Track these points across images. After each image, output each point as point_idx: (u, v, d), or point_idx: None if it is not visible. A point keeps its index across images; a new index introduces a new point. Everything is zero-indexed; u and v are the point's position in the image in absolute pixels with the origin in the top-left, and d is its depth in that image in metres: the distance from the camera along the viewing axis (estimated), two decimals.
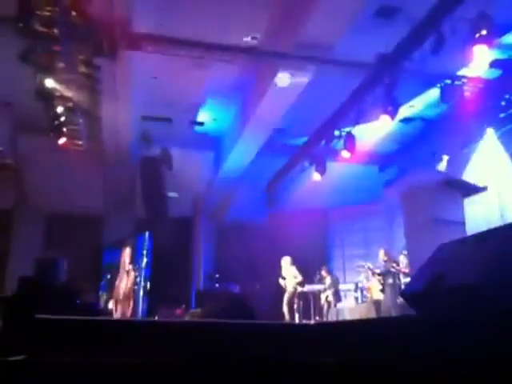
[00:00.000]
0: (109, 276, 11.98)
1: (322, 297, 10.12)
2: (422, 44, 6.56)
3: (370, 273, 9.17)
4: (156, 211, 10.72)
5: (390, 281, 8.21)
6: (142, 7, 6.82)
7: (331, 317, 9.68)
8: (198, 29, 7.27)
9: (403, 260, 8.33)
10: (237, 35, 7.49)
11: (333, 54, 7.40)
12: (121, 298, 11.03)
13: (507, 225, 1.79)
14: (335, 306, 10.13)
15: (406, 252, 8.60)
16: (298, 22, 6.96)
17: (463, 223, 6.06)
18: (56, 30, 6.25)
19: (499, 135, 8.79)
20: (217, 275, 12.46)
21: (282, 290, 9.78)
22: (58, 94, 7.54)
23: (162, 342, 1.70)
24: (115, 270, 11.92)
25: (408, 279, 7.59)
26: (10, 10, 6.04)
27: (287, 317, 9.33)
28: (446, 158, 8.17)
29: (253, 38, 7.63)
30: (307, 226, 12.30)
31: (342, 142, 9.40)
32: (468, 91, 8.21)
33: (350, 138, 9.19)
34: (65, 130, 8.36)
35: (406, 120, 10.03)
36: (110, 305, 11.05)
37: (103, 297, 11.65)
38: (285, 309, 9.41)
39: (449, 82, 8.01)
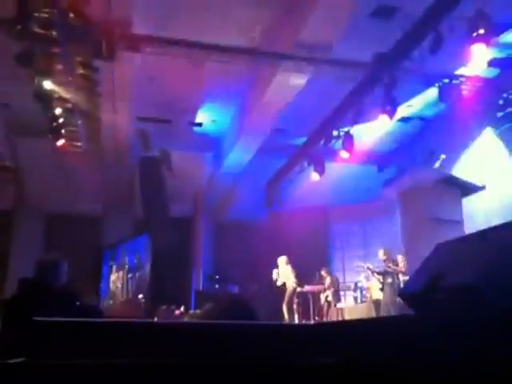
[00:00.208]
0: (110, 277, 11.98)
1: (322, 297, 10.12)
2: (420, 43, 6.58)
3: (369, 272, 9.17)
4: (155, 211, 10.72)
5: (390, 280, 8.21)
6: (141, 9, 6.82)
7: (331, 317, 9.69)
8: (196, 30, 7.27)
9: (402, 259, 8.34)
10: (236, 36, 7.49)
11: (331, 54, 7.41)
12: (120, 300, 11.03)
13: (506, 223, 1.79)
14: (335, 305, 10.13)
15: (403, 251, 8.61)
16: (297, 23, 6.97)
17: (462, 222, 6.08)
18: (54, 32, 6.24)
19: (497, 134, 8.80)
20: (216, 276, 12.47)
21: (281, 290, 9.78)
22: (56, 95, 7.54)
23: (161, 343, 1.70)
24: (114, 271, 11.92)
25: (407, 278, 7.61)
26: (7, 12, 6.04)
27: (286, 317, 9.33)
28: (444, 157, 8.17)
29: (251, 39, 7.63)
30: (307, 225, 12.30)
31: (340, 141, 9.41)
32: (466, 90, 8.22)
33: (348, 137, 9.20)
34: (63, 131, 8.35)
35: (404, 119, 10.05)
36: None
37: (107, 300, 11.64)
38: (284, 309, 9.42)
39: (447, 81, 8.02)
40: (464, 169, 9.04)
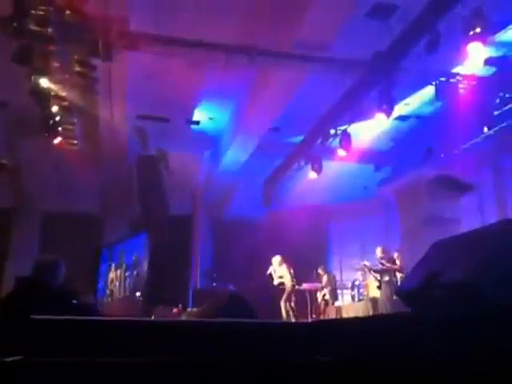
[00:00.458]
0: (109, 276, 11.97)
1: (319, 295, 10.14)
2: (417, 42, 6.59)
3: (366, 270, 9.19)
4: (153, 210, 10.71)
5: (387, 278, 8.23)
6: (138, 6, 6.80)
7: (328, 315, 9.71)
8: (193, 28, 7.26)
9: (398, 257, 8.36)
10: (233, 34, 7.48)
11: (328, 52, 7.41)
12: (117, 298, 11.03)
13: (502, 222, 1.80)
14: (333, 304, 10.15)
15: (400, 249, 8.64)
16: (294, 21, 6.96)
17: (459, 220, 6.10)
18: (51, 30, 6.22)
19: (494, 133, 8.83)
20: (214, 274, 12.47)
21: (278, 289, 9.78)
22: (53, 93, 7.51)
23: (158, 341, 1.70)
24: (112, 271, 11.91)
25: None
26: (4, 10, 6.01)
27: (284, 315, 9.35)
28: (441, 155, 8.20)
29: (249, 37, 7.62)
30: (304, 224, 12.32)
31: (337, 140, 9.42)
32: (463, 89, 8.24)
33: (345, 136, 9.21)
34: (60, 129, 8.33)
35: (401, 118, 10.06)
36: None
37: (104, 299, 11.64)
38: (282, 307, 9.43)
39: (444, 79, 8.03)
40: (461, 168, 9.07)
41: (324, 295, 10.02)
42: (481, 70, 8.24)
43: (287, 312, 9.36)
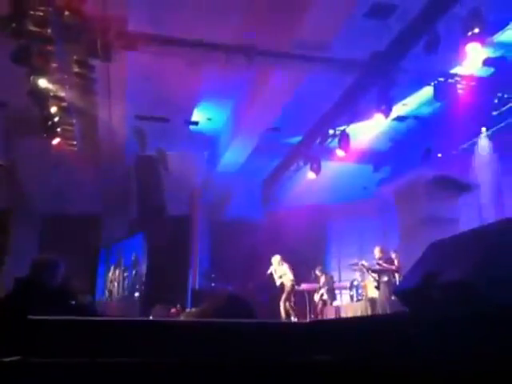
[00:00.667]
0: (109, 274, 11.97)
1: (317, 296, 10.13)
2: (415, 42, 6.60)
3: (364, 271, 9.20)
4: (151, 210, 10.71)
5: (385, 278, 8.24)
6: (137, 7, 6.80)
7: (327, 315, 9.71)
8: (192, 28, 7.26)
9: (396, 257, 8.37)
10: (231, 34, 7.49)
11: (327, 52, 7.41)
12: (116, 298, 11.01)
13: (500, 222, 1.81)
14: (331, 304, 10.15)
15: (399, 249, 8.64)
16: (293, 21, 6.97)
17: (457, 220, 6.11)
18: (49, 30, 6.21)
19: (492, 133, 8.84)
20: (213, 275, 12.47)
21: (278, 288, 9.78)
22: (51, 94, 7.51)
23: (157, 341, 1.70)
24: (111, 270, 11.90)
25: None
26: (2, 10, 6.01)
27: (283, 315, 9.34)
28: (439, 156, 8.20)
29: (247, 38, 7.63)
30: (303, 224, 12.32)
31: (336, 140, 9.42)
32: (461, 89, 8.25)
33: (344, 136, 9.22)
34: (58, 130, 8.32)
35: (399, 118, 10.07)
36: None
37: (103, 299, 11.63)
38: (281, 307, 9.42)
39: (442, 80, 8.05)
40: (459, 168, 9.08)
41: (322, 295, 10.02)
42: (479, 71, 8.26)
43: (287, 312, 9.35)
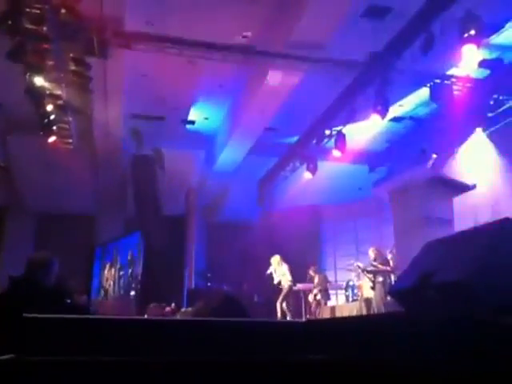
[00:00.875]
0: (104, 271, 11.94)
1: (311, 296, 10.12)
2: (411, 43, 6.61)
3: (359, 271, 9.21)
4: (147, 210, 10.69)
5: (381, 279, 8.25)
6: (133, 6, 6.79)
7: (322, 315, 9.72)
8: (189, 27, 7.25)
9: (392, 258, 8.38)
10: (228, 34, 7.49)
11: (323, 53, 7.43)
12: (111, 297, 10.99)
13: (494, 222, 1.81)
14: (325, 304, 10.16)
15: (391, 250, 8.65)
16: (289, 21, 6.97)
17: (452, 221, 6.12)
18: (45, 28, 6.19)
19: (488, 134, 8.88)
20: (208, 274, 12.46)
21: (274, 289, 9.78)
22: (47, 92, 7.48)
23: (152, 340, 1.70)
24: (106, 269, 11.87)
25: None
26: None
27: (279, 316, 9.33)
28: (435, 156, 8.22)
29: (244, 37, 7.63)
30: (299, 224, 12.33)
31: (332, 141, 9.43)
32: (457, 91, 8.28)
33: (340, 137, 9.23)
34: (55, 128, 8.29)
35: (395, 119, 10.10)
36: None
37: (98, 298, 11.61)
38: (278, 307, 9.41)
39: (438, 81, 8.07)
40: (455, 168, 9.11)
41: (315, 295, 10.01)
42: (475, 72, 8.29)
43: (283, 313, 9.35)
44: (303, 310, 10.21)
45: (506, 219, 1.64)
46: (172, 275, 11.44)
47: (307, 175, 10.38)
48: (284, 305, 9.42)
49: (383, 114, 7.71)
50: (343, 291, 11.14)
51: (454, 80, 8.24)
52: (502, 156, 8.69)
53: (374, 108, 7.68)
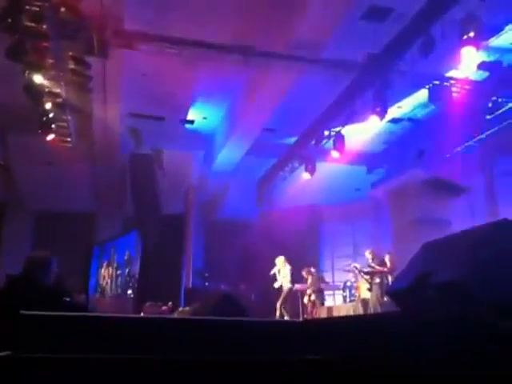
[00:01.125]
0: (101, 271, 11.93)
1: (306, 297, 10.08)
2: (411, 45, 6.63)
3: (357, 272, 9.22)
4: (146, 209, 10.68)
5: (378, 280, 8.27)
6: (133, 5, 6.79)
7: (318, 316, 9.71)
8: (189, 28, 7.25)
9: (389, 259, 8.38)
10: (228, 35, 7.49)
11: (323, 54, 7.44)
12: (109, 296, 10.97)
13: (492, 223, 1.82)
14: (322, 304, 10.15)
15: (392, 251, 8.65)
16: (289, 22, 6.98)
17: (449, 222, 6.15)
18: (45, 26, 6.18)
19: (486, 136, 8.90)
20: (206, 274, 12.46)
21: (273, 289, 9.77)
22: (46, 90, 7.47)
23: (150, 338, 1.70)
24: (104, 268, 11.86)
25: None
26: None
27: (278, 315, 9.32)
28: (433, 158, 8.24)
29: (244, 38, 7.63)
30: (297, 225, 12.34)
31: (331, 141, 9.44)
32: (456, 92, 8.30)
33: (339, 137, 9.24)
34: (53, 126, 8.28)
35: (394, 120, 10.11)
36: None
37: (96, 296, 11.60)
38: (278, 308, 9.39)
39: (437, 83, 8.09)
40: (452, 170, 9.13)
41: (310, 296, 9.98)
42: (474, 75, 8.31)
43: (281, 315, 9.34)
44: (300, 310, 10.20)
45: (502, 220, 1.64)
46: (170, 274, 11.44)
47: (305, 176, 10.39)
48: (283, 307, 9.41)
49: (382, 115, 7.73)
50: (341, 292, 11.14)
51: (452, 82, 8.26)
52: (499, 158, 8.72)
53: (373, 109, 7.69)
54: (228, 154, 10.64)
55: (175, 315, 5.88)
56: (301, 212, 12.91)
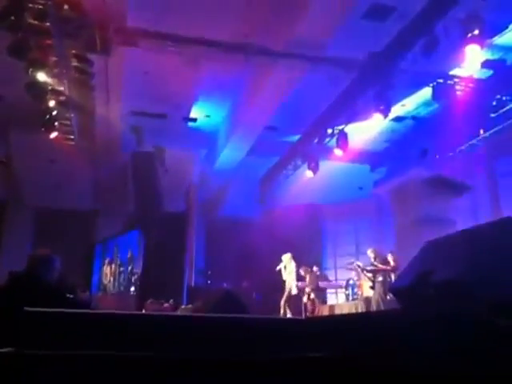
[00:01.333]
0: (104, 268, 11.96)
1: (305, 297, 10.05)
2: (414, 43, 6.60)
3: (359, 270, 9.20)
4: (148, 207, 10.70)
5: (380, 278, 8.24)
6: (136, 3, 6.79)
7: (321, 314, 9.70)
8: (191, 25, 7.24)
9: (391, 258, 8.37)
10: (230, 33, 7.48)
11: (326, 52, 7.42)
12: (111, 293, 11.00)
13: (493, 222, 1.82)
14: (324, 303, 10.14)
15: (395, 249, 8.63)
16: (291, 21, 6.96)
17: (452, 221, 6.14)
18: (48, 24, 6.19)
19: (490, 135, 8.86)
20: (209, 272, 12.48)
21: (275, 287, 9.76)
22: (50, 87, 7.48)
23: (152, 335, 1.70)
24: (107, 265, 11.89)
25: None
26: (1, 3, 5.98)
27: (282, 312, 9.32)
28: (436, 156, 8.22)
29: (246, 36, 7.62)
30: (299, 223, 12.33)
31: (334, 140, 9.43)
32: (460, 91, 8.27)
33: (342, 135, 9.22)
34: (56, 124, 8.30)
35: (397, 119, 10.09)
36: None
37: (98, 293, 11.64)
38: (282, 305, 9.39)
39: (441, 81, 8.06)
40: (455, 168, 9.11)
41: (309, 295, 9.96)
42: (478, 73, 8.28)
43: (285, 312, 9.33)
44: (303, 308, 10.20)
45: (504, 218, 1.64)
46: (172, 272, 11.46)
47: (308, 174, 10.37)
48: (286, 304, 9.41)
49: (386, 113, 7.71)
50: (343, 290, 11.13)
51: (456, 80, 8.22)
52: (502, 156, 8.68)
53: (377, 107, 7.67)
54: (230, 152, 10.63)
55: (178, 313, 5.90)
56: (303, 210, 12.90)
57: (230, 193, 12.68)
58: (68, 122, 8.47)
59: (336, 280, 12.26)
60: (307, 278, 10.01)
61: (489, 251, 1.55)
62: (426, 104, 9.35)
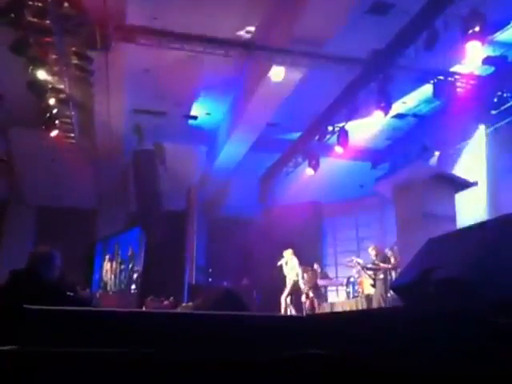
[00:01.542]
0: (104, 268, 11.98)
1: (303, 295, 10.05)
2: (415, 40, 6.59)
3: (359, 268, 9.19)
4: (149, 205, 10.70)
5: (381, 276, 8.24)
6: (136, 0, 6.77)
7: (323, 311, 9.70)
8: (192, 22, 7.23)
9: (393, 255, 8.36)
10: (231, 29, 7.46)
11: (327, 49, 7.40)
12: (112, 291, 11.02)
13: (496, 219, 1.81)
14: (325, 301, 10.14)
15: (396, 247, 8.61)
16: (293, 17, 6.95)
17: (454, 218, 6.11)
18: (48, 22, 6.18)
19: (490, 131, 8.85)
20: (209, 269, 12.49)
21: (275, 284, 9.76)
22: (50, 85, 7.48)
23: (153, 333, 1.70)
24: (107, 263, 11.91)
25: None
26: (1, 0, 5.97)
27: (283, 310, 9.33)
28: (437, 153, 8.21)
29: (247, 33, 7.61)
30: (300, 221, 12.33)
31: (335, 137, 9.42)
32: (461, 88, 8.25)
33: (343, 133, 9.21)
34: (57, 122, 8.30)
35: (398, 116, 10.07)
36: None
37: (99, 291, 11.65)
38: (282, 302, 9.39)
39: (442, 78, 8.04)
40: (457, 165, 9.09)
41: (307, 293, 9.95)
42: (479, 70, 8.26)
43: (286, 308, 9.34)
44: (304, 306, 10.20)
45: (504, 216, 1.63)
46: (173, 270, 11.47)
47: (309, 171, 10.36)
48: (288, 300, 9.41)
49: (386, 110, 7.70)
50: (344, 288, 11.12)
51: (457, 77, 8.20)
52: (504, 153, 8.66)
53: (378, 104, 7.66)
54: (231, 150, 10.62)
55: (178, 310, 5.90)
56: (304, 208, 12.89)
57: (231, 191, 12.67)
58: (68, 120, 8.47)
59: (336, 277, 12.26)
60: (305, 277, 10.00)
61: (492, 249, 1.54)
62: (427, 101, 9.33)
